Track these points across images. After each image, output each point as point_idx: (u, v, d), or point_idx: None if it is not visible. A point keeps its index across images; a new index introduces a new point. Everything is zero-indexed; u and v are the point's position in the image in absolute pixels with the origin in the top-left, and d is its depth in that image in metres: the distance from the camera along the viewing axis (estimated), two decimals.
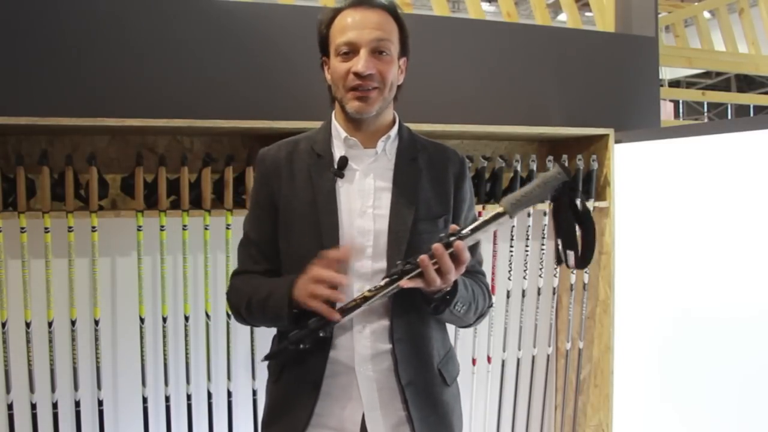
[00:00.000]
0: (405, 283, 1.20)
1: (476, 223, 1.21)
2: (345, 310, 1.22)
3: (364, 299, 1.22)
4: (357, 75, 1.27)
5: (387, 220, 1.31)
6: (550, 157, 2.48)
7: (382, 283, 1.21)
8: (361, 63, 1.26)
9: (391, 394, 1.31)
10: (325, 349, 1.29)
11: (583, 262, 1.28)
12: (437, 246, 1.17)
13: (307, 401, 1.30)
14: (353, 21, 1.29)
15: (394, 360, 1.30)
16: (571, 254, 1.27)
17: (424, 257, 1.17)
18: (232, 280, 1.41)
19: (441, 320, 1.36)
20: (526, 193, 1.20)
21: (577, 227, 1.27)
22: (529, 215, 2.51)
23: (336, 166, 1.33)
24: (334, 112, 1.39)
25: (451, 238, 1.19)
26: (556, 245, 1.28)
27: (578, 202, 1.25)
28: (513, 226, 2.53)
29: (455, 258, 1.19)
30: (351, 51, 1.28)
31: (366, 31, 1.27)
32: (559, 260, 1.29)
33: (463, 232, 1.19)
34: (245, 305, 1.34)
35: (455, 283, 1.26)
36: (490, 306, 1.45)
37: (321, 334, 1.22)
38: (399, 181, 1.35)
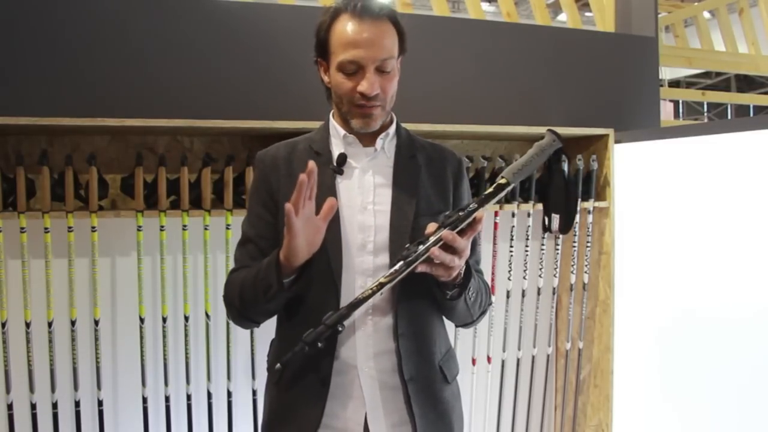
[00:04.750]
0: (421, 267, 1.21)
1: (482, 196, 1.23)
2: (362, 299, 1.21)
3: (380, 285, 1.22)
4: (362, 95, 1.27)
5: (388, 216, 1.32)
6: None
7: (396, 267, 1.21)
8: (367, 85, 1.26)
9: (393, 392, 1.31)
10: (331, 347, 1.28)
11: (566, 226, 1.31)
12: (447, 233, 1.18)
13: (317, 401, 1.29)
14: (358, 37, 1.26)
15: (397, 357, 1.30)
16: (556, 218, 1.32)
17: (434, 250, 1.18)
18: (227, 278, 1.40)
19: (454, 311, 1.35)
20: (525, 162, 1.25)
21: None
22: (529, 215, 2.50)
23: (335, 163, 1.34)
24: (332, 112, 1.40)
25: (460, 213, 1.20)
26: (545, 210, 1.33)
27: (565, 168, 1.29)
28: (513, 226, 2.52)
29: (464, 233, 1.20)
30: (356, 69, 1.27)
31: (372, 51, 1.26)
32: (545, 227, 1.33)
33: (471, 206, 1.21)
34: (238, 293, 1.32)
35: (468, 268, 1.28)
36: (490, 303, 1.46)
37: (339, 329, 1.21)
38: (399, 177, 1.35)
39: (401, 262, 1.21)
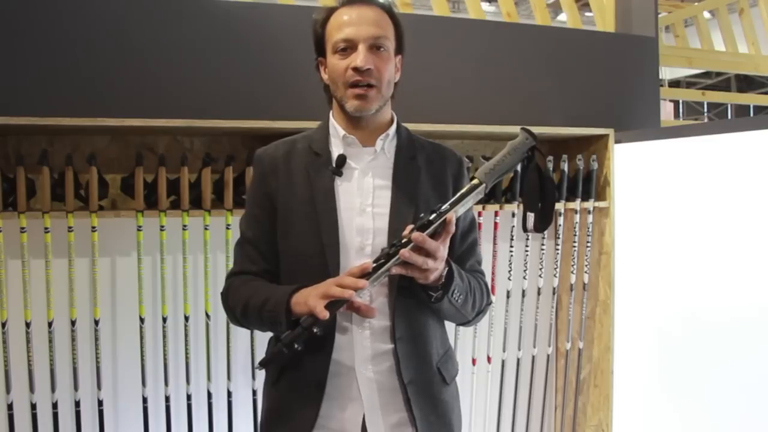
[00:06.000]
0: (396, 269, 1.19)
1: (454, 198, 1.22)
2: (333, 304, 1.18)
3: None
4: (356, 70, 1.27)
5: (387, 219, 1.31)
6: (550, 157, 2.48)
7: (370, 269, 1.19)
8: (360, 58, 1.27)
9: (391, 394, 1.31)
10: (327, 349, 1.29)
11: (541, 224, 1.31)
12: (416, 235, 1.16)
13: (312, 403, 1.29)
14: (350, 18, 1.29)
15: (395, 359, 1.30)
16: (531, 216, 1.31)
17: (404, 251, 1.16)
18: (228, 281, 1.40)
19: (442, 313, 1.34)
20: (498, 162, 1.25)
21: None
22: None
23: (334, 165, 1.33)
24: (332, 112, 1.40)
25: (432, 216, 1.19)
26: (524, 209, 1.33)
27: (549, 166, 1.30)
28: (513, 226, 2.53)
29: (439, 235, 1.19)
30: (349, 47, 1.29)
31: (363, 28, 1.28)
32: (525, 226, 1.33)
33: (443, 208, 1.20)
34: (241, 308, 1.33)
35: (450, 270, 1.26)
36: (489, 303, 1.45)
37: (315, 330, 1.17)
38: (398, 180, 1.35)
39: (374, 265, 1.19)
